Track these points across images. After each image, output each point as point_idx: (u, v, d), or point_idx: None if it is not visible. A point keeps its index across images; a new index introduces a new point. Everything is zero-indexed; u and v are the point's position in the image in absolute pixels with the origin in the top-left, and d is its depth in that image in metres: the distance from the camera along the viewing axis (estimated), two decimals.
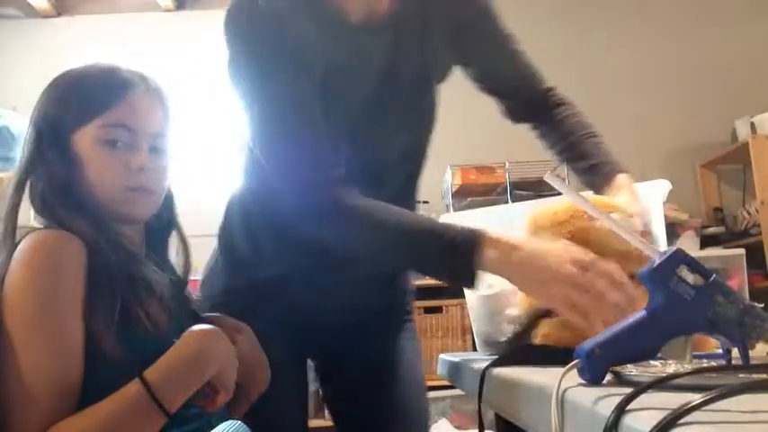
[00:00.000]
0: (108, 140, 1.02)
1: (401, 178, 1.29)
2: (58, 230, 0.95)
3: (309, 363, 1.42)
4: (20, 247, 0.93)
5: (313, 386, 1.41)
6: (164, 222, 1.14)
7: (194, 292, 1.21)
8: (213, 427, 0.93)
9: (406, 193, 1.30)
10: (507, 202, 3.46)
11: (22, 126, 3.41)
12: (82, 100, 1.03)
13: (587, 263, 0.89)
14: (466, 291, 1.48)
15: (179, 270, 1.14)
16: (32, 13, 4.11)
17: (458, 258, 0.95)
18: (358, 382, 1.37)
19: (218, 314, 1.15)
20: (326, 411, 1.57)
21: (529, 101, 1.36)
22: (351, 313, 1.30)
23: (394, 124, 1.24)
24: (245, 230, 1.28)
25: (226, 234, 1.32)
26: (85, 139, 1.02)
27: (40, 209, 1.00)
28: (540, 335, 1.08)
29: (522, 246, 0.93)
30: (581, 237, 1.05)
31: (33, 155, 1.03)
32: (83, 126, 1.02)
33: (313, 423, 1.68)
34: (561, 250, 0.91)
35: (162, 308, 1.00)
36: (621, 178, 1.20)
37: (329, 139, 1.09)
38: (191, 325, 1.03)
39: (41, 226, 0.99)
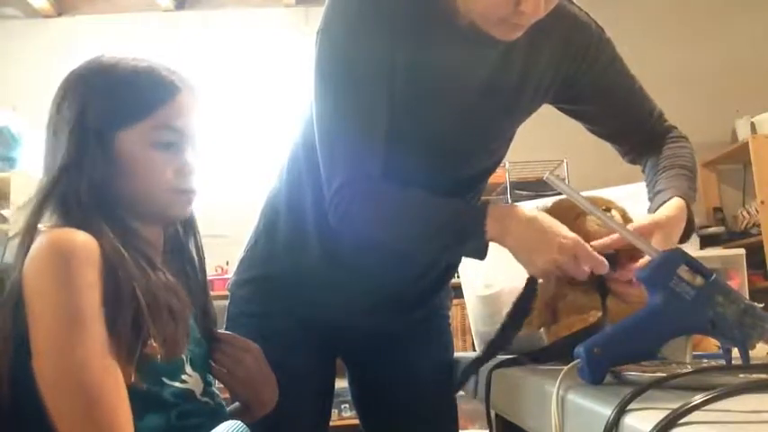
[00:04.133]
0: (158, 143, 0.99)
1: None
2: (71, 229, 0.90)
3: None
4: (35, 244, 0.89)
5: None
6: (183, 224, 1.10)
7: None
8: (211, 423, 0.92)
9: None
10: (507, 203, 3.46)
11: (21, 126, 3.42)
12: (132, 99, 0.99)
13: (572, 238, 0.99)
14: (465, 291, 1.48)
15: (198, 276, 1.10)
16: (32, 13, 4.11)
17: (468, 226, 1.04)
18: (385, 382, 1.36)
19: (229, 332, 1.12)
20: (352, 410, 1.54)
21: (643, 142, 1.26)
22: (381, 317, 1.29)
23: (475, 143, 1.21)
24: (290, 216, 1.26)
25: (270, 215, 1.30)
26: (133, 140, 0.98)
27: (71, 209, 0.94)
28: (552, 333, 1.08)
29: (519, 216, 1.03)
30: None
31: (75, 152, 0.96)
32: (130, 126, 0.98)
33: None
34: (552, 225, 1.00)
35: (179, 328, 0.94)
36: (663, 209, 1.08)
37: (383, 147, 1.09)
38: (206, 343, 1.03)
39: (52, 224, 0.94)
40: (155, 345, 0.89)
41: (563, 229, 0.99)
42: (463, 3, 1.06)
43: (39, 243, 0.89)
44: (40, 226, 0.94)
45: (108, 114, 0.98)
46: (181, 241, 1.09)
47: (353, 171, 1.08)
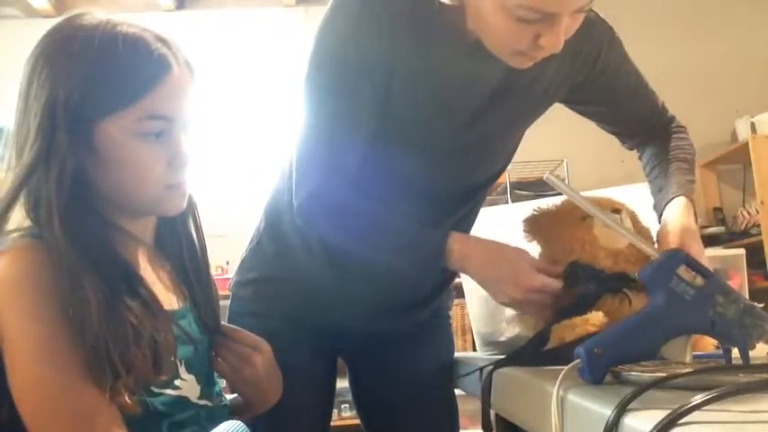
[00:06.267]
0: (147, 134, 0.86)
1: (457, 215, 1.26)
2: (33, 248, 0.81)
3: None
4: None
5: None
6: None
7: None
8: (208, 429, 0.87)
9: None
10: (507, 203, 3.46)
11: None
12: (113, 84, 0.85)
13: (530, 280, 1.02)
14: (466, 291, 1.48)
15: (200, 266, 1.02)
16: (32, 13, 4.11)
17: (425, 248, 1.07)
18: (386, 382, 1.36)
19: (239, 328, 1.06)
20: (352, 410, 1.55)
21: (648, 136, 1.30)
22: (383, 319, 1.29)
23: (479, 153, 1.21)
24: (292, 218, 1.24)
25: (272, 216, 1.29)
26: (116, 132, 0.85)
27: (39, 214, 0.82)
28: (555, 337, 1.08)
29: (481, 248, 1.07)
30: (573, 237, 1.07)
31: (45, 147, 0.82)
32: (111, 116, 0.84)
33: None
34: (513, 262, 1.04)
35: (159, 352, 0.83)
36: (670, 207, 1.11)
37: (358, 160, 1.10)
38: (208, 336, 0.97)
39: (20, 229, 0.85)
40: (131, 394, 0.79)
41: (519, 273, 1.02)
42: (473, 23, 1.04)
43: (1, 262, 0.81)
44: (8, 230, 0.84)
45: (84, 102, 0.84)
46: (177, 229, 1.00)
47: (323, 183, 1.09)
